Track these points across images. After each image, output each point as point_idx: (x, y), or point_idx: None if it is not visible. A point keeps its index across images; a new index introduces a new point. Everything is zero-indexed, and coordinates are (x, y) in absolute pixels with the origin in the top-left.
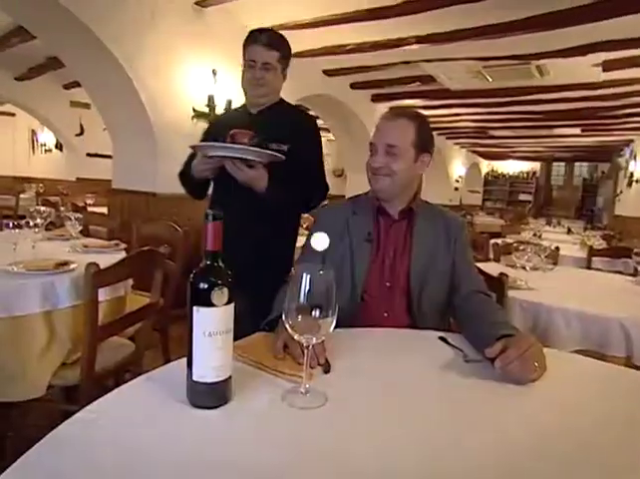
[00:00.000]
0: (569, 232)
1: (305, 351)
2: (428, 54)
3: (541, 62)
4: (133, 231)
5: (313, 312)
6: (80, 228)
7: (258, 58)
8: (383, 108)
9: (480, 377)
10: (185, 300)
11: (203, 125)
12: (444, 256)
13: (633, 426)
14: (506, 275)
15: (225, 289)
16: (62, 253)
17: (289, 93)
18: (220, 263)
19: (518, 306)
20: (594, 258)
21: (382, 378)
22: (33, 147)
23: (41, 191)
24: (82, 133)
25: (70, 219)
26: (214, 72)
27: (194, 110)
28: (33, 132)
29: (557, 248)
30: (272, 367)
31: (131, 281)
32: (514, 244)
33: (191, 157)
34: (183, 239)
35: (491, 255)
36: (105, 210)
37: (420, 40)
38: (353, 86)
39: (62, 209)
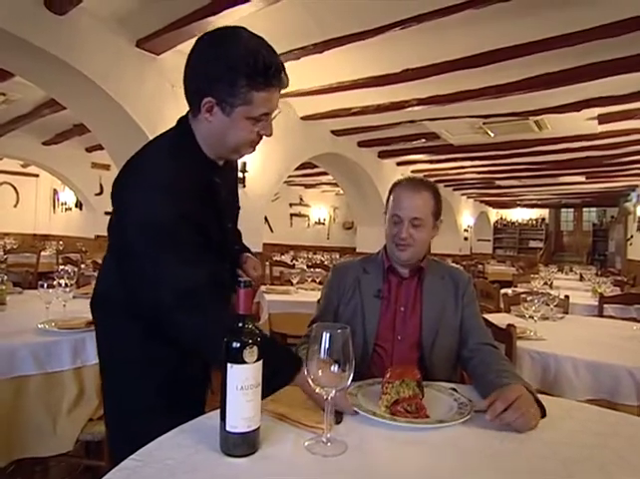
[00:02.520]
0: (581, 278)
1: (326, 403)
2: (430, 113)
3: (539, 117)
4: None
5: (332, 367)
6: None
7: (276, 105)
8: (390, 163)
9: (489, 427)
10: None
11: None
12: (453, 311)
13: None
14: (514, 326)
15: (255, 348)
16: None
17: (300, 152)
18: (250, 325)
19: (528, 357)
20: (606, 306)
21: (397, 427)
22: (54, 205)
23: (60, 248)
24: (101, 192)
25: (95, 277)
26: None
27: None
28: (55, 191)
29: (567, 297)
30: (296, 419)
31: None
32: (523, 295)
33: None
34: None
35: (502, 305)
36: None
37: (421, 102)
38: (360, 144)
39: (83, 266)
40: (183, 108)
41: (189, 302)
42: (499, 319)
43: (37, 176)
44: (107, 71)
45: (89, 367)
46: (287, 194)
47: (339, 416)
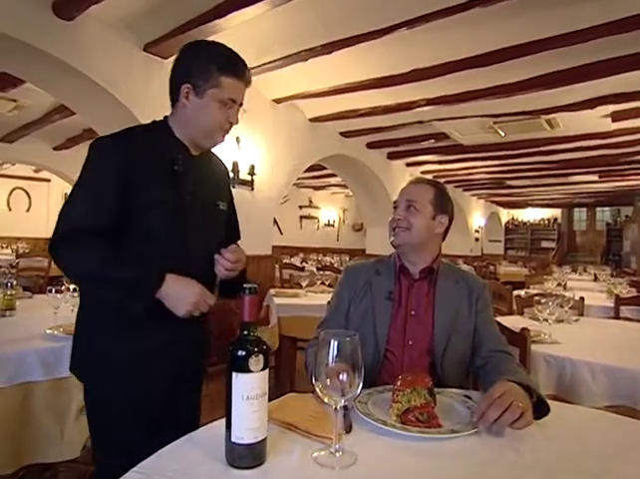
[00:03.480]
0: (596, 279)
1: (334, 413)
2: (439, 113)
3: (551, 116)
4: None
5: (341, 376)
6: None
7: (241, 97)
8: (399, 164)
9: (504, 436)
10: (220, 358)
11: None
12: (467, 316)
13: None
14: (528, 330)
15: (261, 356)
16: None
17: (308, 154)
18: (256, 332)
19: (542, 361)
20: (622, 307)
21: (408, 437)
22: None
23: None
24: None
25: None
26: (238, 139)
27: None
28: (65, 195)
29: (582, 299)
30: (304, 429)
31: None
32: (537, 297)
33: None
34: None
35: (515, 307)
36: None
37: (430, 102)
38: (369, 145)
39: None
40: None
41: (70, 237)
42: (512, 322)
43: (49, 181)
44: (114, 76)
45: None
46: (296, 196)
47: (349, 426)
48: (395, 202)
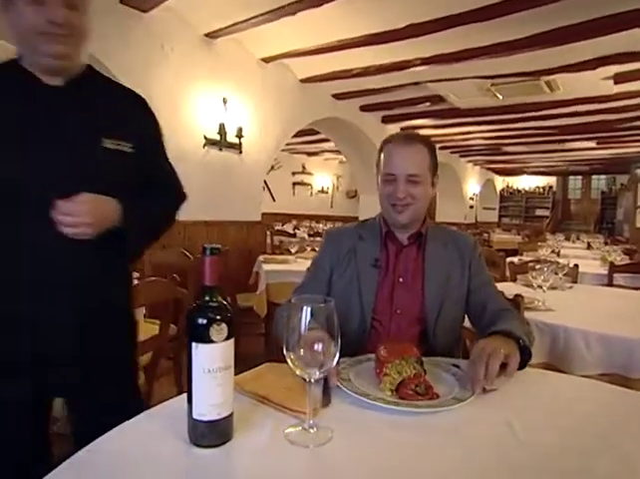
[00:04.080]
0: (589, 247)
1: (307, 387)
2: (435, 74)
3: (551, 77)
4: (144, 259)
5: (315, 346)
6: None
7: None
8: (394, 129)
9: (495, 408)
10: None
11: (215, 152)
12: (459, 281)
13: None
14: (522, 297)
15: (224, 325)
16: None
17: (299, 116)
18: (219, 298)
19: (535, 328)
20: (616, 275)
21: (390, 411)
22: None
23: None
24: None
25: None
26: (225, 100)
27: (206, 138)
28: None
29: (576, 266)
30: (278, 402)
31: (143, 311)
32: (531, 264)
33: None
34: (195, 265)
35: (508, 274)
36: None
37: (425, 61)
38: (363, 108)
39: None
40: (175, 69)
41: None
42: (506, 289)
43: None
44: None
45: None
46: (289, 162)
47: (327, 398)
48: (390, 174)
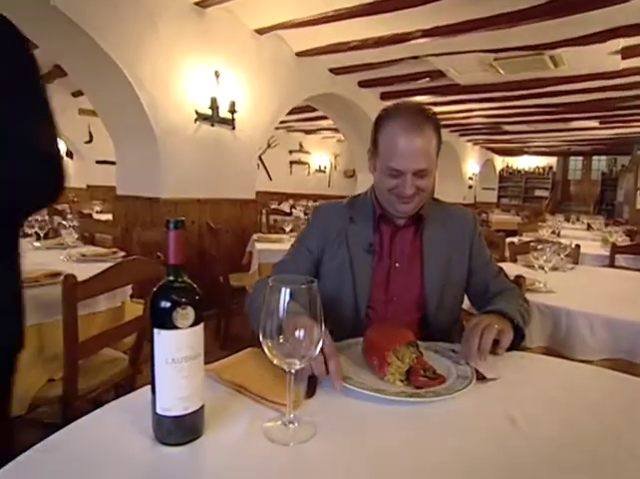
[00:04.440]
0: (589, 228)
1: (288, 376)
2: (436, 48)
3: (556, 52)
4: (133, 237)
5: (297, 333)
6: (76, 236)
7: None
8: None
9: (491, 399)
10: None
11: (207, 127)
12: (459, 262)
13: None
14: (524, 278)
15: (190, 309)
16: (57, 263)
17: (295, 91)
18: (185, 278)
19: (537, 311)
20: (617, 256)
21: (380, 401)
22: None
23: None
24: (91, 140)
25: (65, 226)
26: (217, 73)
27: (197, 112)
28: None
29: (578, 246)
30: (256, 393)
31: (129, 291)
32: (532, 244)
33: None
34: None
35: (507, 254)
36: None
37: (426, 33)
38: (361, 84)
39: (69, 216)
40: (165, 42)
41: None
42: (506, 270)
43: None
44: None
45: (50, 324)
46: (286, 140)
47: (311, 388)
48: (395, 170)
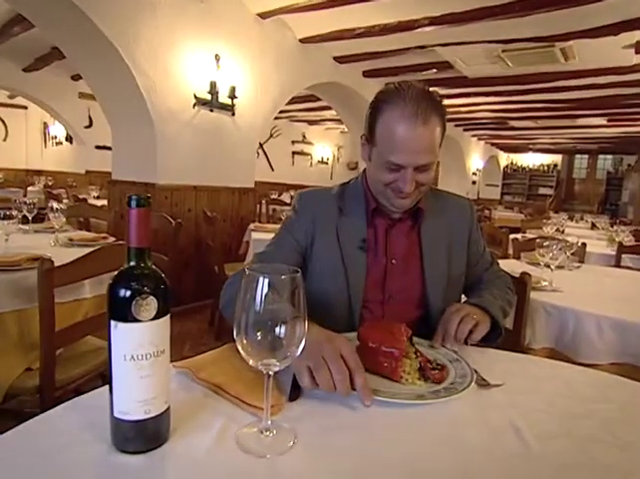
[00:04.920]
0: (593, 227)
1: (266, 379)
2: (443, 37)
3: (567, 44)
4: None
5: (276, 329)
6: (63, 219)
7: None
8: None
9: (495, 409)
10: (179, 297)
11: (206, 112)
12: (459, 253)
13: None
14: (530, 275)
15: (152, 299)
16: (44, 247)
17: (298, 79)
18: (149, 264)
19: (543, 311)
20: (623, 256)
21: (380, 404)
22: (45, 140)
23: (50, 183)
24: (90, 125)
25: (53, 210)
26: (217, 57)
27: (196, 97)
28: (45, 124)
29: (584, 245)
30: (234, 394)
31: None
32: (538, 240)
33: None
34: (176, 231)
35: (510, 251)
36: None
37: (433, 21)
38: (365, 74)
39: (65, 201)
40: (162, 23)
41: None
42: (510, 267)
43: (25, 107)
44: None
45: (29, 310)
46: (289, 130)
47: (297, 390)
48: (395, 164)
